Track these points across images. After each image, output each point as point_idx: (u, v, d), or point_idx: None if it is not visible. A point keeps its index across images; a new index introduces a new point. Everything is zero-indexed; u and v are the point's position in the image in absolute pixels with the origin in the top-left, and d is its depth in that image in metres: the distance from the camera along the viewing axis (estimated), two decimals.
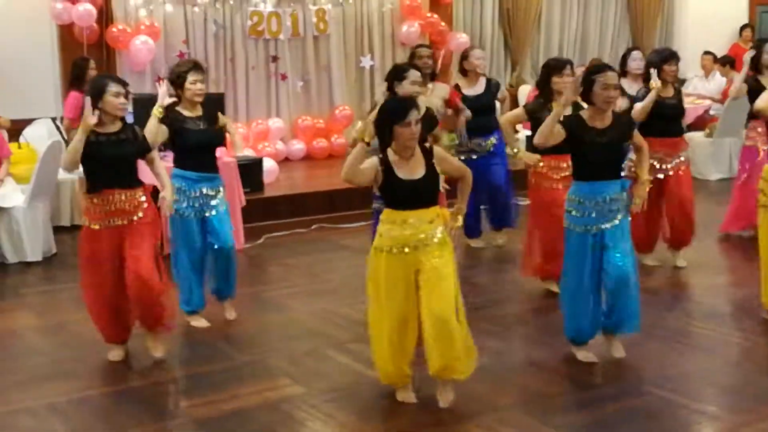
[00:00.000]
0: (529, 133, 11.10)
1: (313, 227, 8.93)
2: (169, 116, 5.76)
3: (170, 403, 4.96)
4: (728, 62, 12.10)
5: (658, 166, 6.93)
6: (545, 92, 6.27)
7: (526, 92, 12.13)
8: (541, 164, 6.31)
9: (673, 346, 5.55)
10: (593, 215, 5.08)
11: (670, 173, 7.02)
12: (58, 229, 8.57)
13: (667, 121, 6.93)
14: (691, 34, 13.95)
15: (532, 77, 13.24)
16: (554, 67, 6.30)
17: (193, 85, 5.80)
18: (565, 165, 6.27)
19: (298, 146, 11.70)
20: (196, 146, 5.82)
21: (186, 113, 5.85)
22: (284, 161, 11.08)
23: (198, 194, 5.88)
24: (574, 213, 5.14)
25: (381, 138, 4.57)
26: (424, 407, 4.71)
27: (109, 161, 5.17)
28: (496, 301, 6.55)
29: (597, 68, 5.15)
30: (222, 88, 10.91)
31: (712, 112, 11.69)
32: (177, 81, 5.82)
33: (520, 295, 6.74)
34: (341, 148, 12.00)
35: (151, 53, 10.36)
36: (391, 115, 4.54)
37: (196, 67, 5.89)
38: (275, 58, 11.62)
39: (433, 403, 4.71)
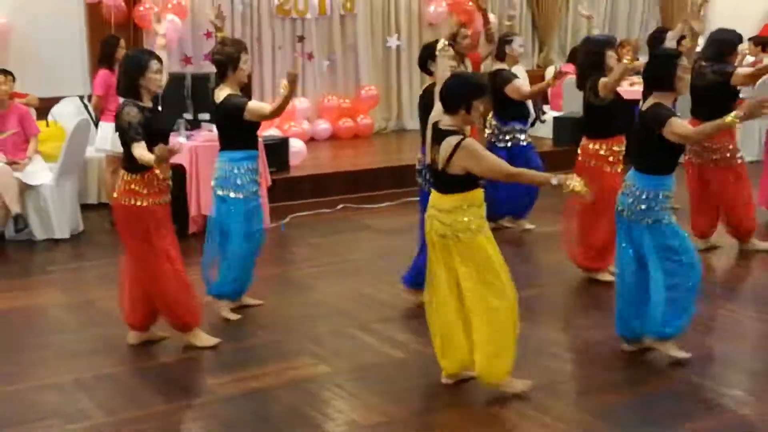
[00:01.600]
0: (556, 114, 11.15)
1: (337, 207, 8.93)
2: (231, 98, 5.63)
3: (196, 381, 4.98)
4: (761, 43, 11.89)
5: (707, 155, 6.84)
6: (595, 70, 6.09)
7: (552, 73, 12.02)
8: (598, 147, 6.20)
9: (697, 329, 5.49)
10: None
11: (721, 164, 6.87)
12: (85, 207, 8.63)
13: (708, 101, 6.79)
14: (720, 13, 13.76)
15: (560, 58, 13.14)
16: (608, 41, 6.24)
17: (246, 65, 5.65)
18: (616, 149, 6.22)
19: (323, 126, 11.68)
20: (257, 125, 5.76)
21: (239, 93, 5.69)
22: (310, 141, 11.07)
23: (257, 170, 5.84)
24: (672, 206, 4.98)
25: (450, 109, 4.47)
26: (449, 388, 4.71)
27: (159, 135, 5.12)
28: (519, 284, 6.50)
29: (676, 53, 5.03)
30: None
31: (742, 95, 11.52)
32: (230, 62, 5.59)
33: (544, 278, 6.71)
34: (367, 128, 11.99)
35: (178, 32, 10.36)
36: (474, 89, 4.47)
37: (245, 47, 5.73)
38: (302, 38, 11.59)
39: (459, 384, 4.72)
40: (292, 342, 5.48)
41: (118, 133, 5.13)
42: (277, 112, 5.64)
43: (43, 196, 7.84)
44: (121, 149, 7.17)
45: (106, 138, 8.25)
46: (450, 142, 4.41)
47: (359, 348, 5.35)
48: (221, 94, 5.63)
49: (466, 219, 4.46)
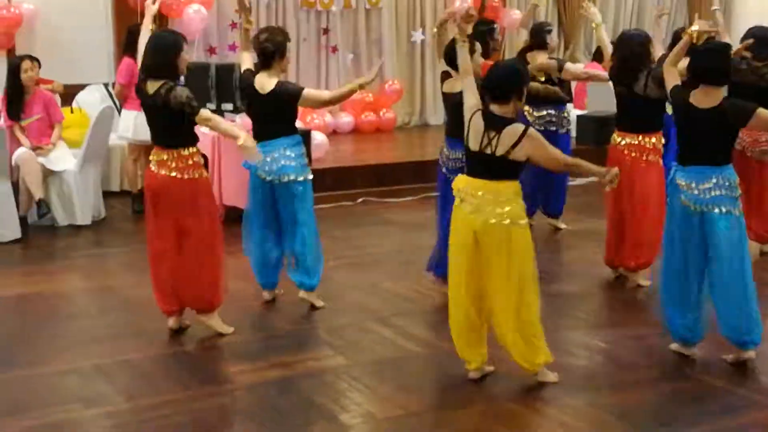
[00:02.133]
0: (579, 112, 11.09)
1: (359, 201, 8.94)
2: (286, 85, 5.70)
3: (214, 369, 4.99)
4: None
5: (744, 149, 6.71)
6: (645, 62, 5.99)
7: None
8: (656, 141, 6.12)
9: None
10: None
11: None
12: (107, 195, 8.68)
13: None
14: (752, 7, 13.63)
15: (585, 55, 13.09)
16: (648, 35, 6.19)
17: (288, 53, 5.72)
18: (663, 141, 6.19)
19: (346, 119, 11.69)
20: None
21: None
22: (332, 134, 11.08)
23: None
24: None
25: (503, 99, 4.50)
26: (466, 382, 4.70)
27: None
28: (540, 281, 6.50)
29: (728, 46, 5.04)
30: None
31: None
32: (278, 50, 5.59)
33: (564, 276, 6.68)
34: (389, 122, 11.99)
35: (203, 22, 10.40)
36: (524, 77, 4.61)
37: (289, 36, 5.79)
38: (326, 31, 11.61)
39: (478, 379, 4.71)
40: (310, 333, 5.50)
41: (175, 109, 5.02)
42: (337, 100, 5.86)
43: (66, 182, 7.89)
44: (143, 137, 7.23)
45: (128, 126, 8.31)
46: (515, 129, 4.43)
47: (377, 341, 5.35)
48: (270, 81, 5.60)
49: (519, 207, 4.53)
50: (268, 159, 5.62)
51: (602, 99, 9.43)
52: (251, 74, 5.67)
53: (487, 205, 4.48)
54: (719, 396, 4.62)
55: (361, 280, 6.48)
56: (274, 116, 5.66)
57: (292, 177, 5.66)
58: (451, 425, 4.34)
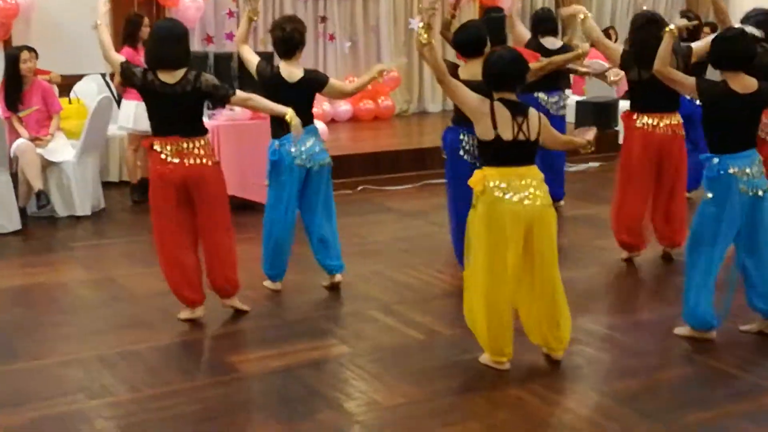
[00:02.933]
0: (578, 98, 11.07)
1: (358, 189, 8.92)
2: (316, 74, 5.81)
3: (217, 359, 4.98)
4: None
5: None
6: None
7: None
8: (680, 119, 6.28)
9: (728, 318, 5.43)
10: None
11: None
12: (106, 185, 8.65)
13: None
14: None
15: (582, 41, 13.03)
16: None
17: None
18: None
19: (344, 107, 11.67)
20: None
21: None
22: (330, 122, 11.06)
23: None
24: None
25: (515, 87, 4.61)
26: (470, 370, 4.71)
27: None
28: None
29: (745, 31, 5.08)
30: (270, 48, 10.85)
31: None
32: (302, 40, 5.65)
33: (567, 262, 6.66)
34: (387, 110, 11.96)
35: (199, 11, 10.37)
36: (527, 63, 4.76)
37: None
38: (324, 19, 11.57)
39: (480, 366, 4.71)
40: (313, 322, 5.48)
41: (206, 93, 5.09)
42: (358, 90, 6.00)
43: (65, 173, 7.87)
44: (143, 127, 7.21)
45: (128, 116, 8.28)
46: (534, 113, 4.57)
47: (380, 329, 5.34)
48: (297, 70, 5.64)
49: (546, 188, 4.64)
50: (304, 147, 5.69)
51: (601, 85, 9.40)
52: (269, 64, 5.73)
53: (533, 191, 4.52)
54: (726, 381, 4.62)
55: (363, 269, 6.47)
56: (303, 104, 5.64)
57: (327, 161, 5.84)
58: (455, 412, 4.33)
